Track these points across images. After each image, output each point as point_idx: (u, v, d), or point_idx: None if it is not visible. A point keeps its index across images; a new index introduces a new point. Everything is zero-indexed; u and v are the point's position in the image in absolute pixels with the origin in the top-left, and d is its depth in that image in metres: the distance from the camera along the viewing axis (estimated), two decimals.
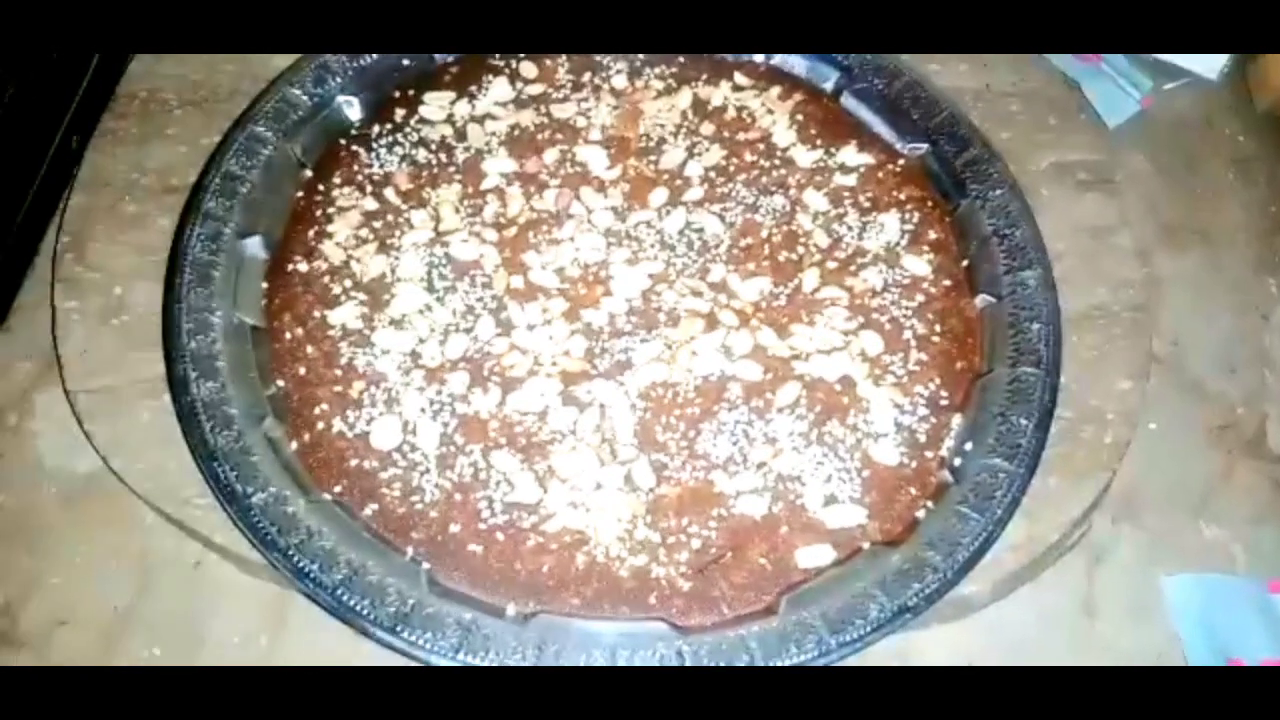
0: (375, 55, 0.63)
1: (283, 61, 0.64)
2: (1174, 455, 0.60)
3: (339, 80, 0.62)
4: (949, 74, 0.68)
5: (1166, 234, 0.68)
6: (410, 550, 0.49)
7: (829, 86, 0.66)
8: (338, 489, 0.51)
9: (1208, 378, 0.63)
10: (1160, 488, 0.59)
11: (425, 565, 0.49)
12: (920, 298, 0.58)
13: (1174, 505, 0.58)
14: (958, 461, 0.53)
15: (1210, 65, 0.74)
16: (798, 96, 0.65)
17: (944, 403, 0.55)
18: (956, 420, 0.55)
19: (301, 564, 0.47)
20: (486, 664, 0.46)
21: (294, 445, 0.52)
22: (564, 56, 0.65)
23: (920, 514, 0.52)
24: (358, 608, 0.46)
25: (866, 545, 0.51)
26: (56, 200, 0.61)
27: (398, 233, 0.58)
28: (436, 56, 0.65)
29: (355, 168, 0.60)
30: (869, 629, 0.48)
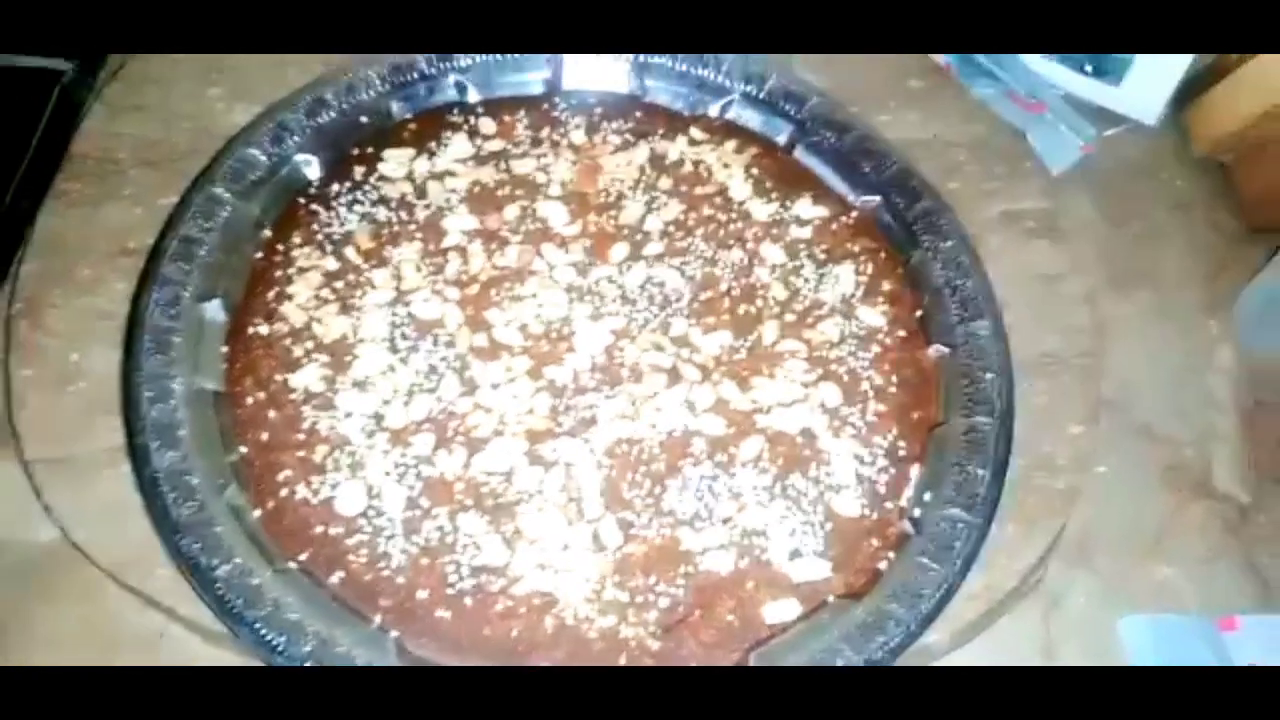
0: (333, 114, 0.63)
1: (240, 119, 0.64)
2: (1125, 498, 0.61)
3: (297, 139, 0.62)
4: (898, 124, 0.70)
5: (1112, 278, 0.70)
6: (378, 618, 0.49)
7: (782, 140, 0.68)
8: (303, 557, 0.50)
9: (1156, 420, 0.64)
10: (1112, 530, 0.60)
11: (393, 633, 0.49)
12: (876, 348, 0.60)
13: (1127, 547, 0.60)
14: (917, 512, 0.54)
15: (1149, 112, 0.76)
16: (753, 150, 0.66)
17: (902, 453, 0.56)
18: (915, 470, 0.56)
19: (269, 637, 0.46)
20: None
21: (257, 513, 0.51)
22: (522, 112, 0.66)
23: (883, 565, 0.53)
24: None
25: (831, 599, 0.52)
26: (7, 264, 0.60)
27: (359, 293, 0.58)
28: (395, 113, 0.65)
29: (315, 227, 0.60)
30: None
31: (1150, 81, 0.75)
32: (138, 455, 0.51)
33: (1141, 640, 0.56)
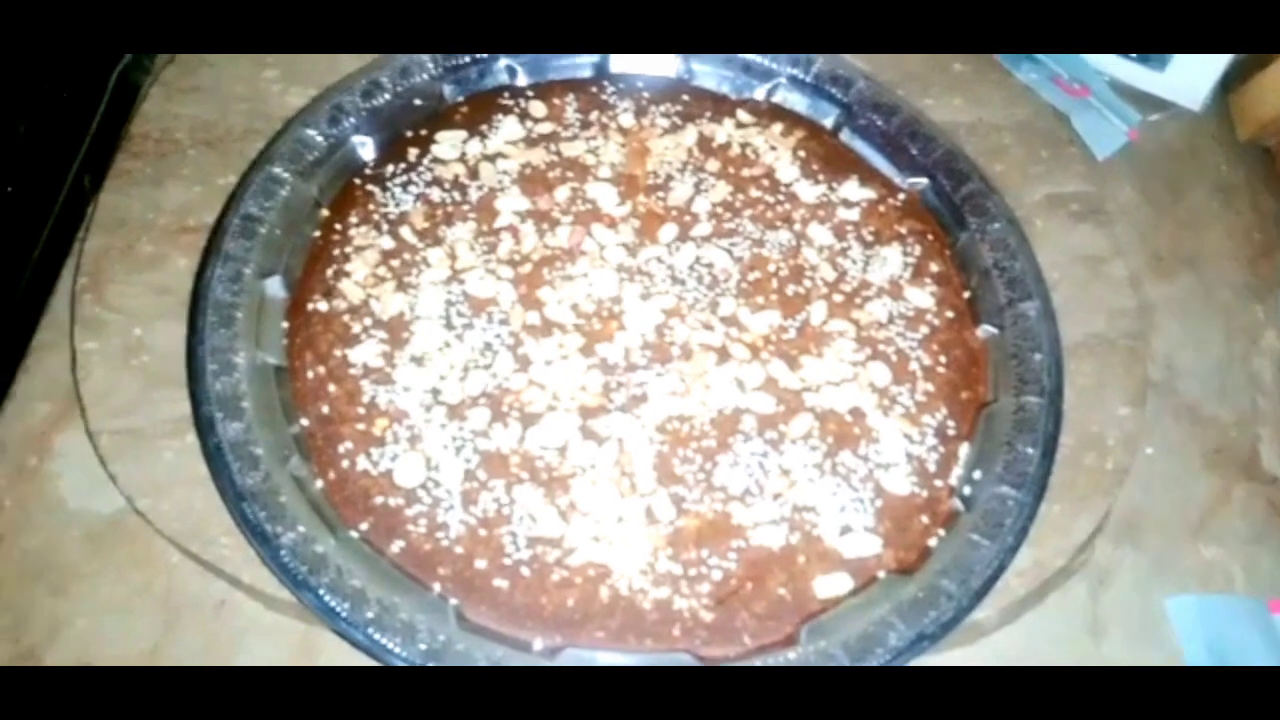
0: (387, 96, 0.64)
1: (295, 100, 0.65)
2: (1171, 479, 0.61)
3: (352, 121, 0.63)
4: (943, 108, 0.71)
5: (1156, 262, 0.70)
6: (437, 586, 0.50)
7: (829, 123, 0.68)
8: (364, 526, 0.51)
9: (1201, 402, 0.64)
10: (1159, 511, 0.60)
11: (452, 601, 0.50)
12: (924, 329, 0.60)
13: (1173, 528, 0.60)
14: (967, 490, 0.55)
15: (1193, 97, 0.76)
16: (799, 133, 0.67)
17: (951, 432, 0.57)
18: (964, 449, 0.57)
19: (333, 604, 0.47)
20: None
21: (319, 484, 0.52)
22: (571, 96, 0.67)
23: (933, 542, 0.54)
24: (389, 645, 0.47)
25: (882, 574, 0.52)
26: (70, 240, 0.61)
27: (415, 271, 0.59)
28: (447, 96, 0.66)
29: (371, 207, 0.61)
30: (888, 656, 0.49)
31: (1195, 67, 0.75)
32: (203, 426, 0.52)
33: (1190, 620, 0.56)
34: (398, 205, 0.61)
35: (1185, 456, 0.62)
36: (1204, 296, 0.69)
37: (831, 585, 0.52)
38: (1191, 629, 0.56)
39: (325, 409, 0.54)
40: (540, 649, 0.49)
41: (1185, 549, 0.59)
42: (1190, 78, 0.75)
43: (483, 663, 0.47)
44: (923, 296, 0.61)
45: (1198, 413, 0.64)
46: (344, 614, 0.47)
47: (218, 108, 0.65)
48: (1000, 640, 0.55)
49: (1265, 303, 0.69)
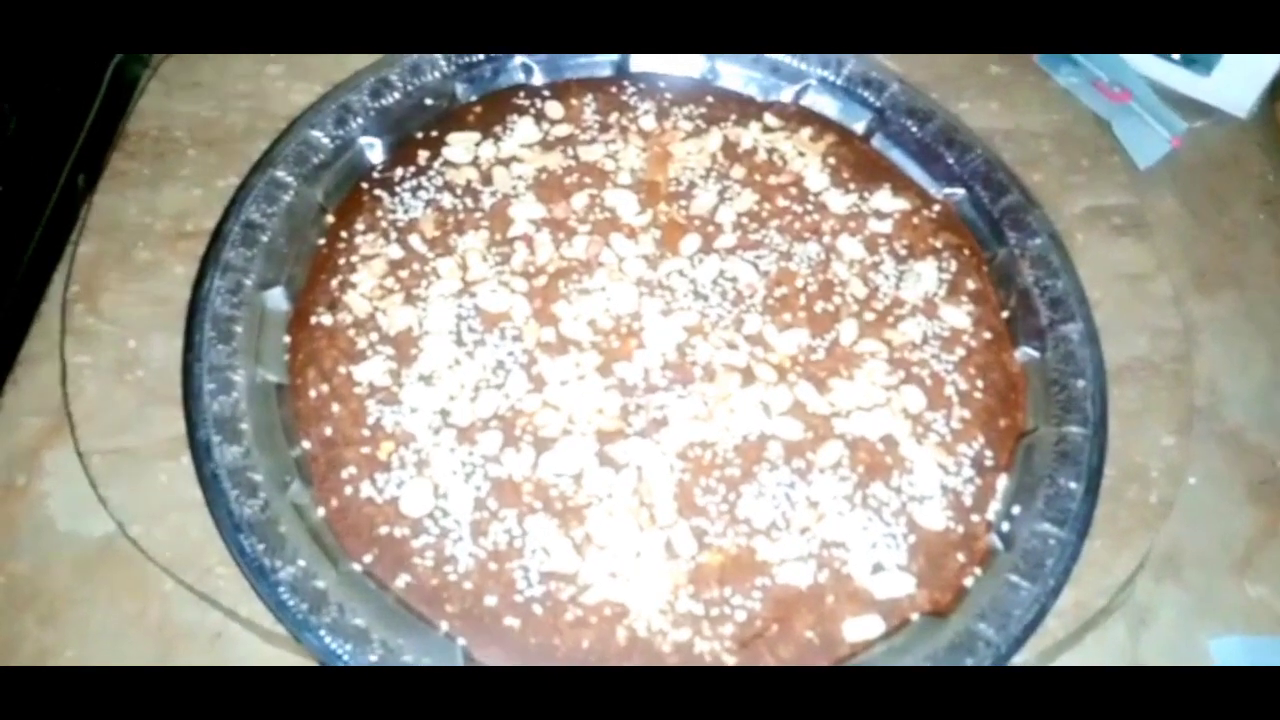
0: (397, 95, 0.61)
1: (299, 99, 0.62)
2: (1215, 511, 0.58)
3: (360, 121, 0.60)
4: (979, 113, 0.67)
5: (1199, 278, 0.67)
6: (445, 625, 0.47)
7: (860, 128, 0.65)
8: (368, 558, 0.49)
9: (1246, 429, 0.61)
10: (1202, 545, 0.57)
11: (460, 641, 0.47)
12: (961, 351, 0.57)
13: (1216, 563, 0.57)
14: (1005, 526, 0.52)
15: (1239, 104, 0.73)
16: (829, 138, 0.64)
17: (989, 463, 0.54)
18: (1002, 482, 0.54)
19: (335, 646, 0.45)
20: None
21: (321, 511, 0.50)
22: (590, 96, 0.64)
23: (969, 581, 0.51)
24: None
25: (915, 616, 0.50)
26: (62, 245, 0.58)
27: (424, 283, 0.56)
28: (459, 95, 0.63)
29: (379, 213, 0.58)
30: None
31: (1242, 72, 0.71)
32: (199, 450, 0.49)
33: (1235, 661, 0.54)
34: (407, 212, 0.58)
35: (1230, 487, 0.59)
36: (1248, 315, 0.66)
37: (862, 628, 0.49)
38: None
39: (328, 430, 0.51)
40: None
41: (1229, 586, 0.57)
42: (1237, 83, 0.72)
43: None
44: (959, 316, 0.58)
45: (1242, 440, 0.61)
46: (346, 656, 0.45)
47: (219, 105, 0.62)
48: None
49: None
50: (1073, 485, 0.52)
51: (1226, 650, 0.54)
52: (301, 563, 0.47)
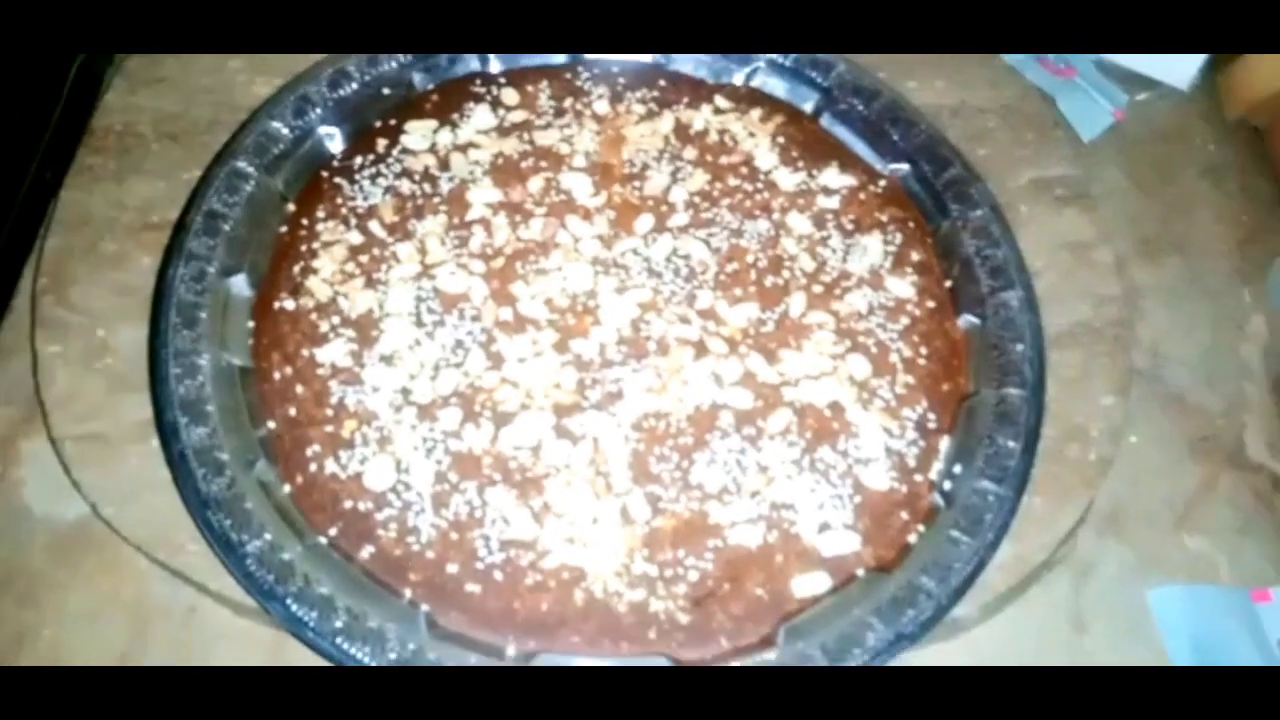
0: (354, 85, 0.62)
1: (261, 90, 0.64)
2: (1156, 468, 0.61)
3: (319, 111, 0.61)
4: (926, 91, 0.69)
5: (1143, 246, 0.69)
6: (408, 593, 0.49)
7: (809, 108, 0.67)
8: (333, 531, 0.50)
9: (1187, 389, 0.63)
10: (1143, 501, 0.59)
11: (424, 607, 0.49)
12: (905, 320, 0.59)
13: (1157, 518, 0.59)
14: (947, 485, 0.54)
15: (1181, 76, 0.75)
16: (779, 119, 0.65)
17: (932, 425, 0.56)
18: (945, 443, 0.56)
19: (300, 613, 0.47)
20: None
21: (287, 488, 0.51)
22: (545, 82, 0.65)
23: (912, 538, 0.53)
24: (358, 655, 0.46)
25: (861, 572, 0.52)
26: (32, 238, 0.60)
27: (384, 267, 0.57)
28: (416, 84, 0.64)
29: (339, 201, 0.59)
30: (867, 657, 0.48)
31: None
32: (166, 432, 0.51)
33: (1172, 611, 0.56)
34: (366, 199, 0.60)
35: (1171, 445, 0.62)
36: (1191, 281, 0.68)
37: (810, 584, 0.51)
38: (1173, 620, 0.56)
39: (292, 411, 0.53)
40: (514, 655, 0.49)
41: (1170, 540, 0.59)
42: (1179, 56, 0.74)
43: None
44: (903, 286, 0.60)
45: (1184, 401, 0.63)
46: (311, 623, 0.47)
47: (182, 100, 0.63)
48: (981, 635, 0.54)
49: (1253, 286, 0.67)
50: (1011, 444, 0.54)
51: (1163, 600, 0.56)
52: (268, 536, 0.49)
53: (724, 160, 0.64)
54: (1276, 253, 0.68)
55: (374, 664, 0.46)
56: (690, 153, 0.64)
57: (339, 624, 0.47)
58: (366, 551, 0.50)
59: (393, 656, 0.46)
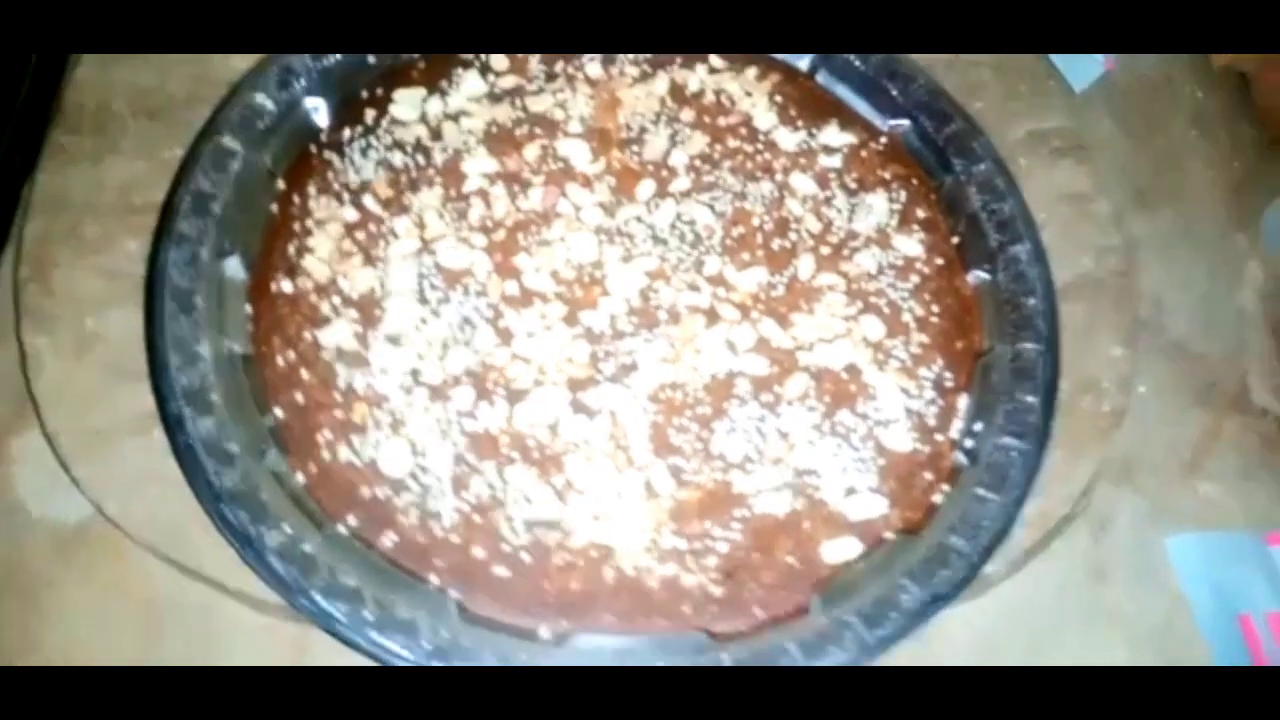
0: (339, 54, 0.60)
1: (240, 63, 0.61)
2: (1164, 417, 0.61)
3: (304, 83, 0.59)
4: None
5: (1137, 196, 0.69)
6: (435, 579, 0.48)
7: (804, 65, 0.65)
8: (352, 520, 0.49)
9: (1189, 338, 0.64)
10: (1154, 451, 0.60)
11: (453, 593, 0.48)
12: (915, 278, 0.58)
13: (1169, 467, 0.60)
14: (969, 443, 0.54)
15: None
16: (774, 77, 0.64)
17: (949, 384, 0.56)
18: (963, 401, 0.55)
19: (329, 607, 0.45)
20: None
21: (300, 478, 0.50)
22: None
23: (938, 498, 0.53)
24: (393, 648, 0.45)
25: (890, 535, 0.51)
26: (8, 226, 0.57)
27: (382, 243, 0.55)
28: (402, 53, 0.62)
29: (330, 176, 0.57)
30: (904, 620, 0.48)
31: None
32: (171, 424, 0.49)
33: (1190, 559, 0.56)
34: (358, 173, 0.57)
35: (1176, 394, 0.62)
36: (1186, 229, 0.68)
37: (840, 550, 0.51)
38: (1191, 567, 0.56)
39: (299, 397, 0.51)
40: (548, 636, 0.48)
41: (1181, 487, 0.59)
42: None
43: (490, 658, 0.45)
44: (911, 244, 0.59)
45: (1186, 349, 0.64)
46: (342, 617, 0.45)
47: (157, 74, 0.60)
48: (1006, 591, 0.54)
49: (1247, 231, 0.68)
50: (1030, 399, 0.54)
51: (1181, 548, 0.57)
52: (287, 529, 0.47)
53: (722, 121, 0.62)
54: (1268, 199, 0.69)
55: (409, 654, 0.45)
56: (687, 114, 0.62)
57: (370, 616, 0.45)
58: (389, 539, 0.48)
59: (427, 647, 0.45)
